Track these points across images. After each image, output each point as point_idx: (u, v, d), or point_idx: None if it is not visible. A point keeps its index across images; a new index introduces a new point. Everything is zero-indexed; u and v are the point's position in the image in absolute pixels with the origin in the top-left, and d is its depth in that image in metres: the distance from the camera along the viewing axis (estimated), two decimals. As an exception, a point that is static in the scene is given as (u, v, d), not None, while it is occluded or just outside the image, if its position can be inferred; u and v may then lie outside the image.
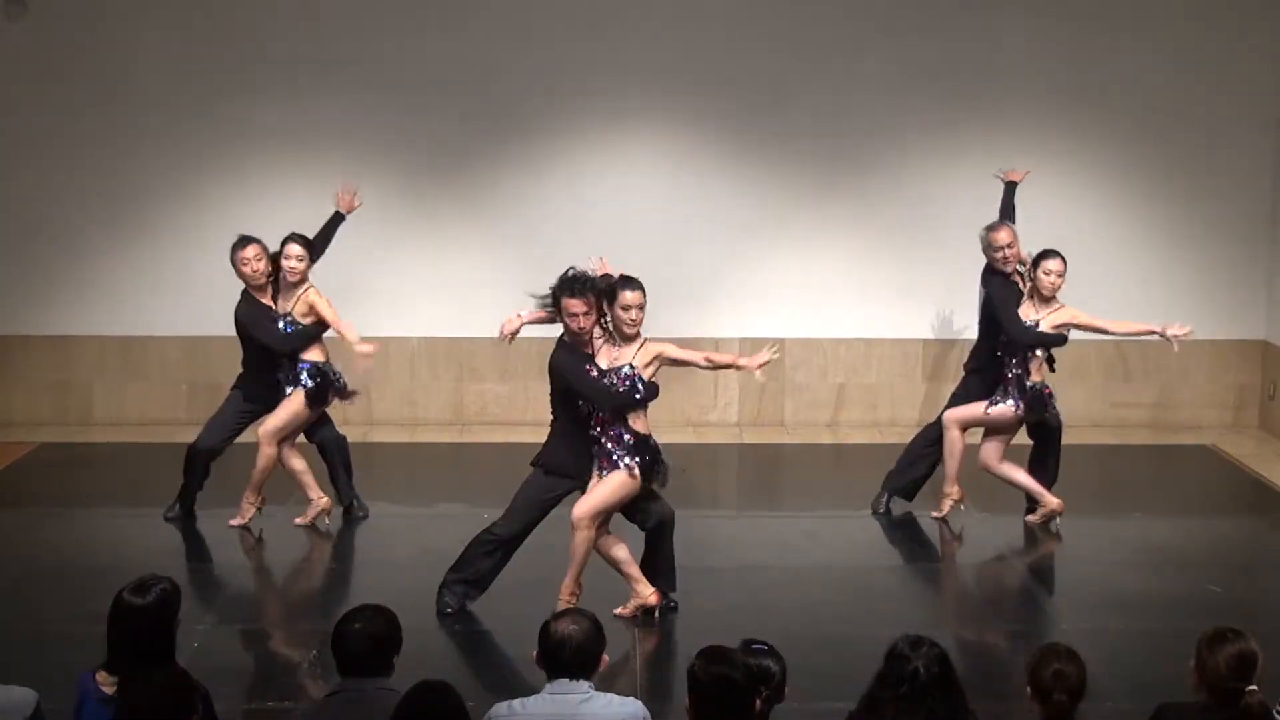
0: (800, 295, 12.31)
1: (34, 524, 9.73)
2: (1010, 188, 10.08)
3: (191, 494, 9.59)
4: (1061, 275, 9.31)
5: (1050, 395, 9.46)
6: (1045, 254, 9.38)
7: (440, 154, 12.15)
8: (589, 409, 7.66)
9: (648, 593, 7.83)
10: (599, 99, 12.14)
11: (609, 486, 7.63)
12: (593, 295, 7.55)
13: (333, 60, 12.00)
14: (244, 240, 9.31)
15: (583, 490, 7.76)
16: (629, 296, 7.57)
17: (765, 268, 12.30)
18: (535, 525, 7.88)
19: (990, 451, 9.57)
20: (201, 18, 11.99)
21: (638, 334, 7.66)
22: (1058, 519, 9.55)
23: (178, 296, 12.05)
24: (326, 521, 9.55)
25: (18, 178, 12.06)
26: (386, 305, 12.08)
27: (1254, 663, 4.94)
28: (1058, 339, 9.39)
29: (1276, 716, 5.00)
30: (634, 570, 7.85)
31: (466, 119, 12.09)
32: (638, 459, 7.59)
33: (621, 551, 7.83)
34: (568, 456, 7.78)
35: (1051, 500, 9.54)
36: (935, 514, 9.71)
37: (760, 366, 7.66)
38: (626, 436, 7.59)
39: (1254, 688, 4.90)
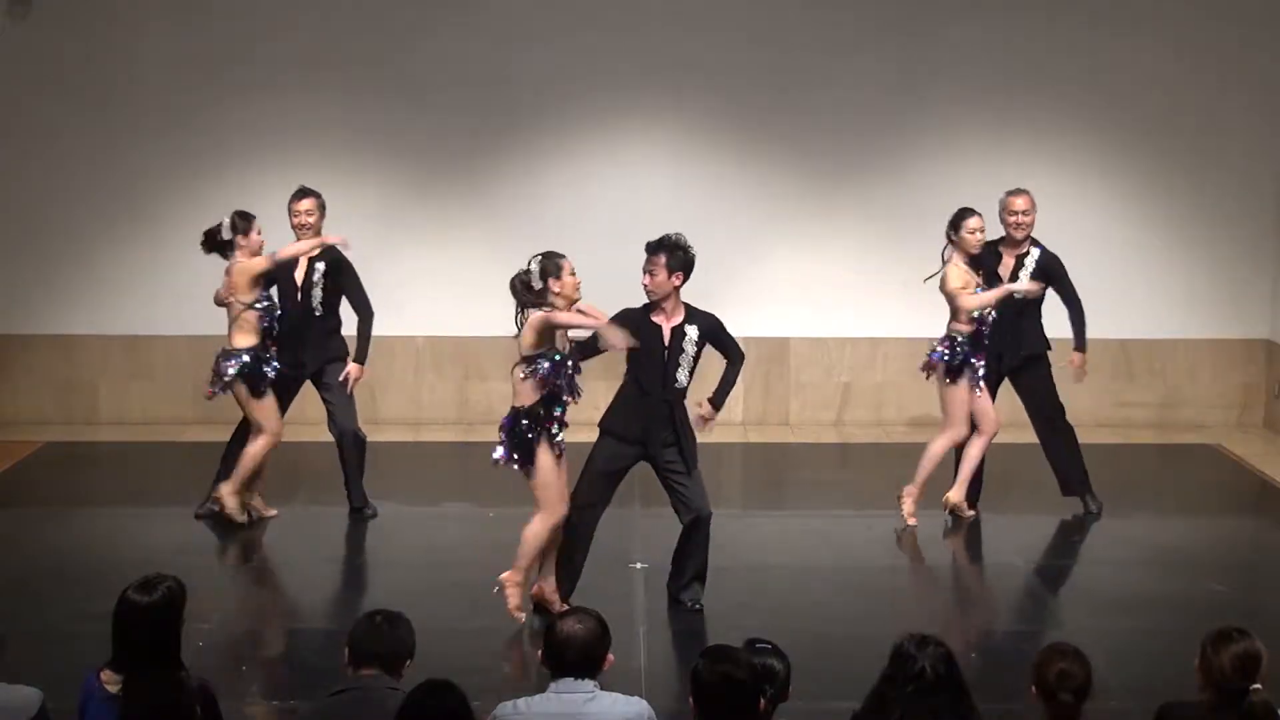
0: (805, 294, 12.30)
1: (38, 523, 9.74)
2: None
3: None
4: (976, 232, 9.35)
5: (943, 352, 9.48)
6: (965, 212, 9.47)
7: (445, 153, 12.16)
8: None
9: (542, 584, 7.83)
10: (604, 98, 12.14)
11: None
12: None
13: (337, 59, 12.01)
14: (302, 192, 9.42)
15: (645, 457, 7.86)
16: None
17: (770, 266, 12.30)
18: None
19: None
20: (204, 17, 12.00)
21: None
22: (954, 514, 9.57)
23: (182, 295, 12.01)
24: (241, 518, 9.40)
25: (22, 176, 12.07)
26: (391, 304, 12.04)
27: (1259, 662, 4.94)
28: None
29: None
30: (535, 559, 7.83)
31: (471, 118, 12.10)
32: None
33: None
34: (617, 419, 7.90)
35: (959, 499, 9.55)
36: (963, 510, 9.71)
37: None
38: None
39: (1258, 686, 4.90)
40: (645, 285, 7.80)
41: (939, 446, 9.46)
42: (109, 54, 12.00)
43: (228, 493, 9.25)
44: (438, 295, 12.23)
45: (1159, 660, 7.12)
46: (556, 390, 7.48)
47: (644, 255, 7.90)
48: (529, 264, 7.47)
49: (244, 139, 12.04)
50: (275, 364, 9.20)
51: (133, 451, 11.52)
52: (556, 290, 7.43)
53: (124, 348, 12.27)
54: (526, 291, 7.45)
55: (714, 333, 7.95)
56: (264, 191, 11.80)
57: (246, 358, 9.09)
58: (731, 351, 8.06)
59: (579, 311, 7.48)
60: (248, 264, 9.10)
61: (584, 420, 8.15)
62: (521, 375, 7.48)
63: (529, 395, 7.49)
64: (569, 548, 7.84)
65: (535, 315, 7.41)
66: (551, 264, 7.46)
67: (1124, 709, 6.34)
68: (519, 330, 7.48)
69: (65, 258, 12.16)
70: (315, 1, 12.07)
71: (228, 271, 9.16)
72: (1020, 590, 8.81)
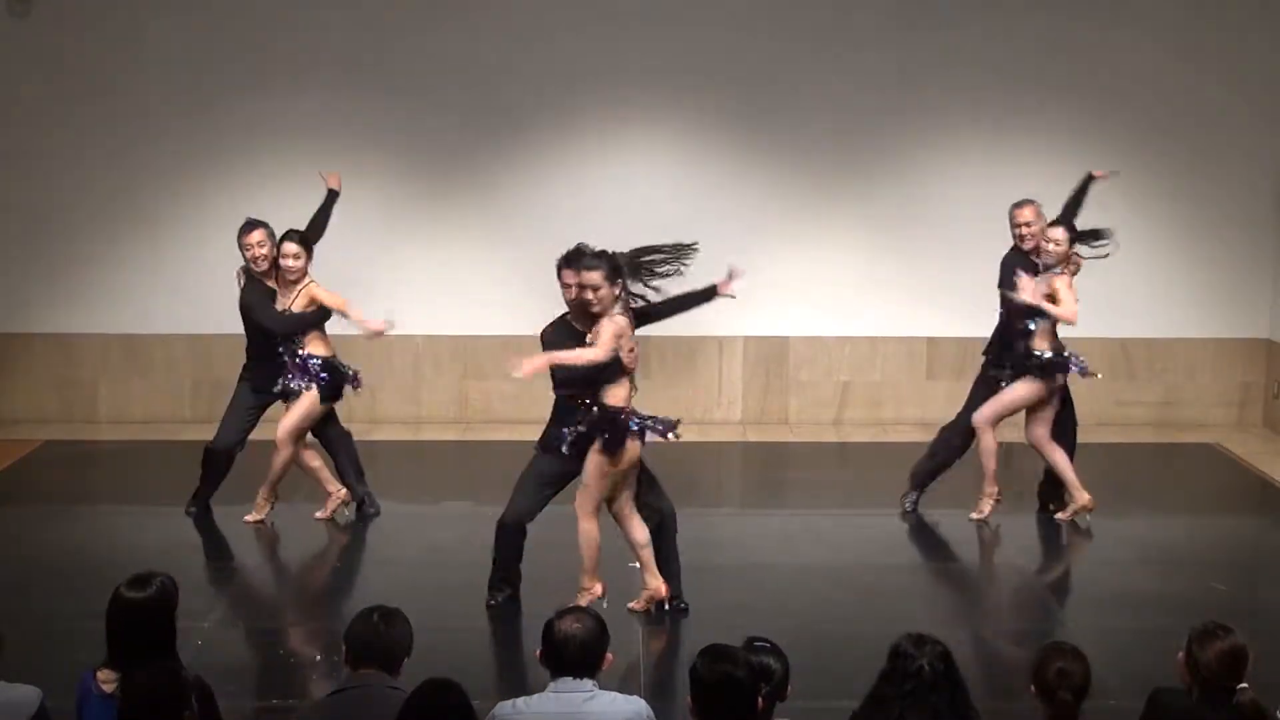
0: (805, 293, 12.31)
1: (38, 522, 9.73)
2: (1088, 181, 9.90)
3: (209, 493, 9.59)
4: (1061, 243, 9.23)
5: (1069, 356, 9.34)
6: (1051, 223, 9.40)
7: (444, 152, 12.16)
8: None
9: (656, 584, 7.83)
10: (604, 96, 12.14)
11: (587, 469, 7.65)
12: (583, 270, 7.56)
13: (337, 58, 12.02)
14: (250, 224, 9.34)
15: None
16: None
17: (770, 266, 12.27)
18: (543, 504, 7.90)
19: (1035, 430, 9.49)
20: (204, 15, 12.01)
21: (604, 312, 7.55)
22: (1087, 516, 9.51)
23: (182, 294, 12.05)
24: (346, 513, 9.56)
25: (22, 174, 12.08)
26: (390, 303, 12.04)
27: (1244, 659, 4.94)
28: (1036, 310, 9.22)
29: (1275, 716, 4.99)
30: (647, 556, 7.83)
31: (471, 117, 12.10)
32: (605, 435, 7.56)
33: (641, 535, 7.81)
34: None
35: (1083, 495, 9.48)
36: (975, 515, 9.57)
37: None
38: (595, 409, 7.58)
39: (1244, 685, 4.90)
40: (575, 298, 7.69)
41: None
42: (109, 53, 12.00)
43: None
44: (437, 294, 12.23)
45: (1158, 659, 7.06)
46: None
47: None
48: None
49: (244, 139, 12.04)
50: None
51: (132, 450, 11.53)
52: None
53: (123, 347, 12.27)
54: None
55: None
56: (264, 191, 11.84)
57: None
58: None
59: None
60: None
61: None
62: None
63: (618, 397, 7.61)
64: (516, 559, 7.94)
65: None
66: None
67: (1123, 707, 6.33)
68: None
69: (65, 257, 12.16)
70: (316, 1, 12.07)
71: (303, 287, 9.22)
72: (1020, 590, 8.80)
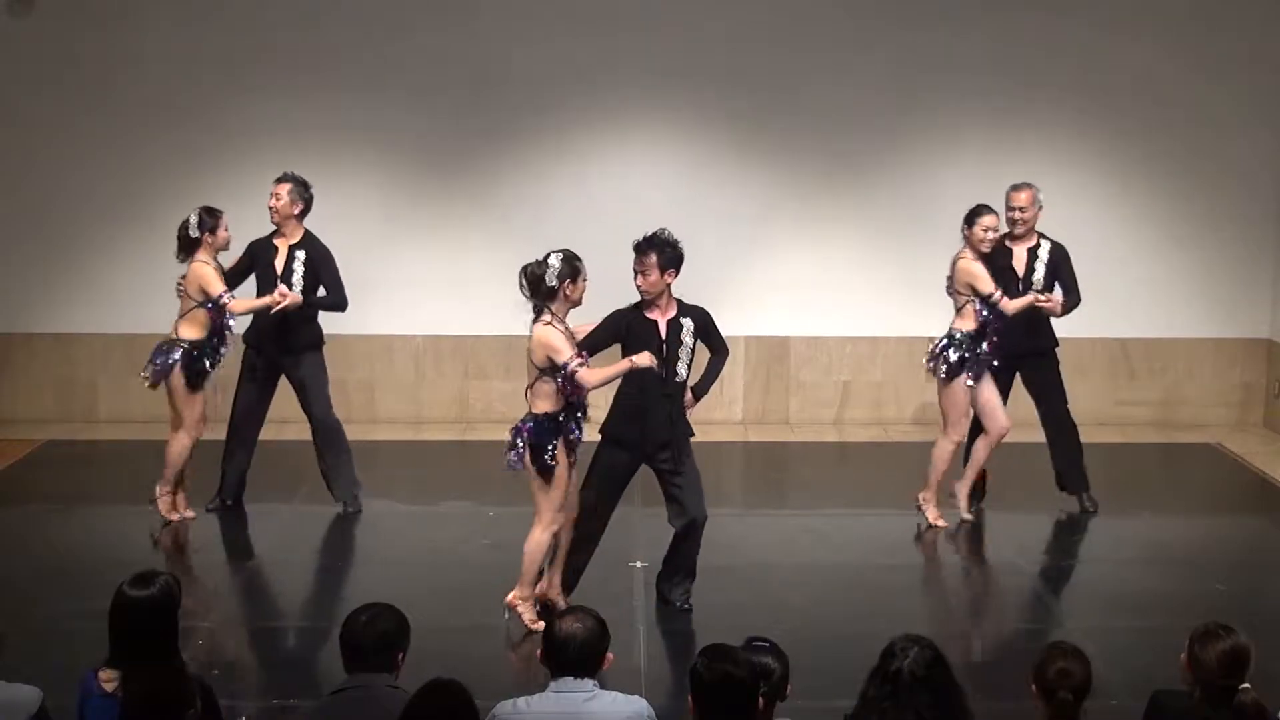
0: (805, 293, 12.31)
1: (38, 521, 9.73)
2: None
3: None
4: (989, 230, 9.19)
5: (943, 348, 9.32)
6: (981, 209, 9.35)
7: (444, 151, 12.16)
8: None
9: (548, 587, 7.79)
10: (603, 96, 12.14)
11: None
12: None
13: (337, 57, 12.01)
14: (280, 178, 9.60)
15: (643, 460, 7.82)
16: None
17: (770, 265, 12.30)
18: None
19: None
20: (204, 16, 12.00)
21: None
22: (927, 523, 9.43)
23: (182, 294, 12.04)
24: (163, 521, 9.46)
25: (21, 175, 12.07)
26: (390, 303, 12.09)
27: (1246, 659, 4.93)
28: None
29: (1276, 716, 4.99)
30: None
31: (471, 116, 12.10)
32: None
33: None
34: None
35: (931, 504, 9.46)
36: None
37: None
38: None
39: (1246, 685, 4.90)
40: (639, 286, 7.75)
41: (944, 449, 9.41)
42: (109, 53, 12.00)
43: (159, 492, 9.32)
44: (437, 294, 12.23)
45: (1159, 659, 7.08)
46: (575, 400, 7.48)
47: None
48: (548, 258, 7.41)
49: (244, 138, 12.04)
50: (217, 357, 9.21)
51: (132, 450, 11.50)
52: (568, 294, 7.42)
53: (123, 346, 12.25)
54: (538, 285, 7.41)
55: (705, 326, 7.91)
56: (264, 191, 11.83)
57: (187, 348, 9.09)
58: (718, 346, 8.02)
59: (582, 361, 7.42)
60: (206, 276, 9.06)
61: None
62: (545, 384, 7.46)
63: (550, 403, 7.47)
64: (573, 548, 7.84)
65: (552, 342, 7.34)
66: (570, 268, 7.40)
67: (1123, 707, 6.34)
68: (532, 332, 7.43)
69: (65, 257, 12.16)
70: (315, 2, 12.06)
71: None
72: (1020, 589, 8.80)
